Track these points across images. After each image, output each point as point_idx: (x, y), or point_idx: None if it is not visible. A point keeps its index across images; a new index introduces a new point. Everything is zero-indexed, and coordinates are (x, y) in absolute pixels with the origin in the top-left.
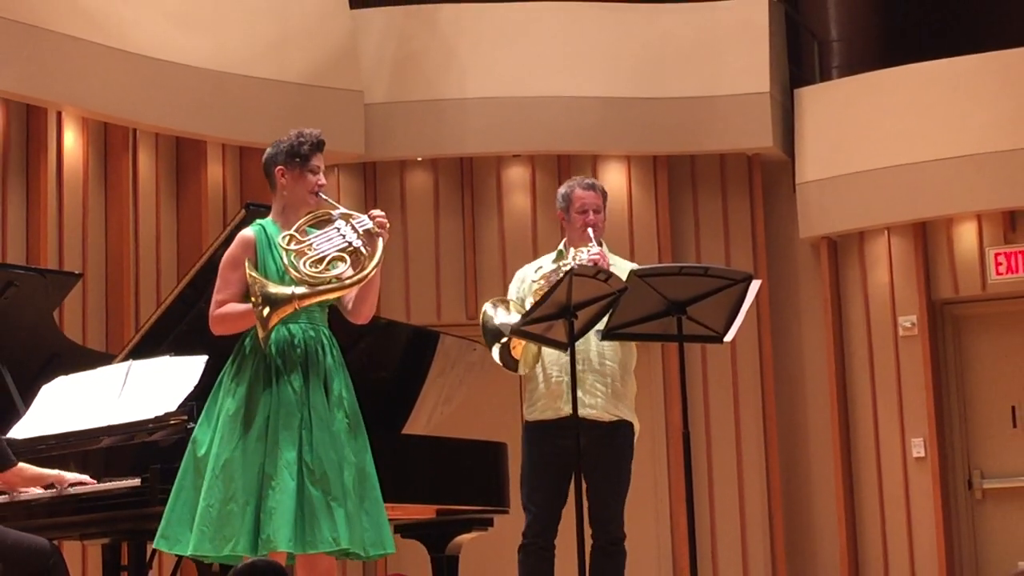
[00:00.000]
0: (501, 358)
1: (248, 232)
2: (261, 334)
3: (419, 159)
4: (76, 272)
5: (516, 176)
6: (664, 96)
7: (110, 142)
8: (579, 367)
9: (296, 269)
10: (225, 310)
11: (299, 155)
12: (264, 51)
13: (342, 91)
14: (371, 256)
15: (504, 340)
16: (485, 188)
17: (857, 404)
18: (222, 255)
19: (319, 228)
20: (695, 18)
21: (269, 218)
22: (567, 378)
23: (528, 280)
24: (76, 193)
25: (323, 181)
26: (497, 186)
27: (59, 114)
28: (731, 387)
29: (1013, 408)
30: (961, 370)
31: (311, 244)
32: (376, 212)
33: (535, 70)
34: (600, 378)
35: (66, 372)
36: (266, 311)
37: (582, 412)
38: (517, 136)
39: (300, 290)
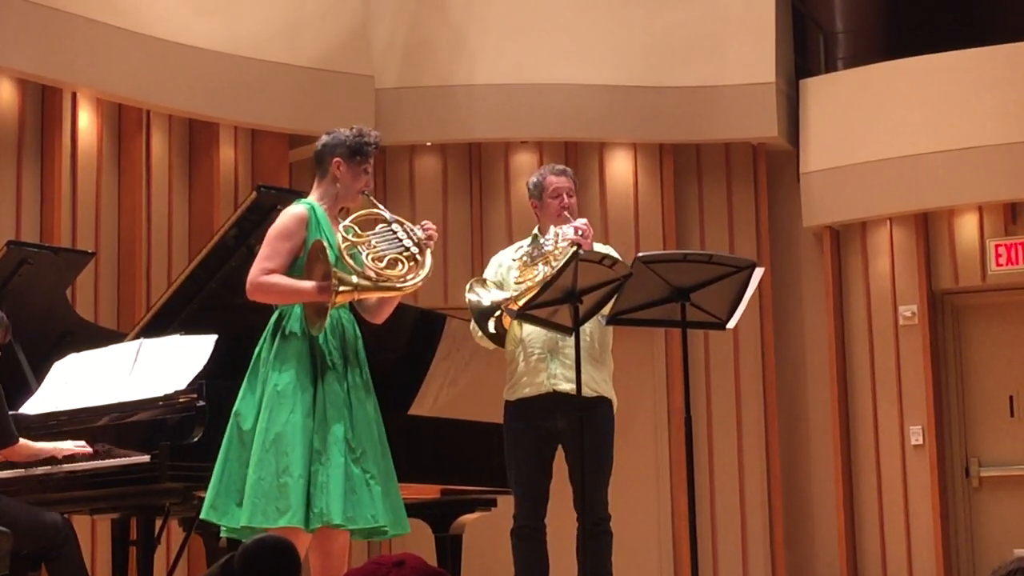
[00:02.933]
0: (496, 330)
1: (299, 209)
2: (325, 316)
3: (428, 144)
4: (89, 251)
5: (524, 162)
6: (670, 85)
7: (124, 123)
8: (560, 342)
9: (356, 260)
10: (274, 280)
11: (362, 153)
12: (277, 35)
13: (353, 76)
14: (423, 264)
15: (498, 313)
16: (493, 174)
17: (857, 391)
18: (233, 236)
19: (366, 226)
20: (702, 8)
21: (313, 199)
22: (548, 354)
23: (506, 264)
24: (90, 173)
25: (371, 184)
26: (505, 172)
27: (74, 95)
28: (733, 373)
29: (1011, 398)
30: (960, 359)
31: (370, 241)
32: (428, 224)
33: (544, 58)
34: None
35: (78, 349)
36: (340, 290)
37: (563, 387)
38: (525, 123)
39: (363, 282)
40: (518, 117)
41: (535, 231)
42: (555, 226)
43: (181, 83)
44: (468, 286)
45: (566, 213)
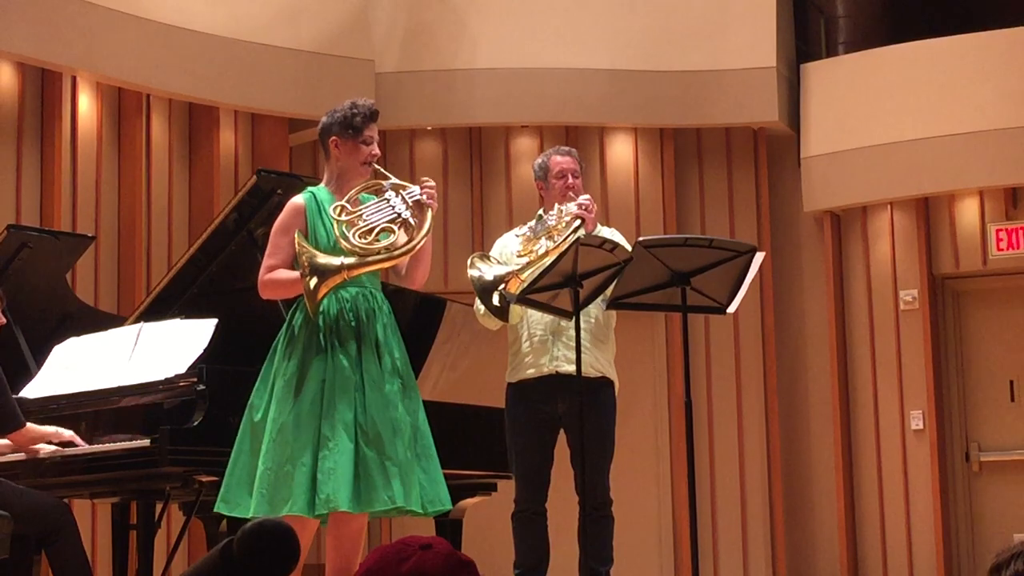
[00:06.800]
0: (500, 303)
1: (299, 199)
2: (309, 305)
3: (429, 128)
4: (89, 235)
5: (524, 146)
6: (671, 69)
7: (124, 107)
8: (562, 323)
9: (346, 239)
10: (275, 276)
11: (352, 126)
12: (277, 19)
13: (354, 60)
14: (420, 227)
15: (502, 287)
16: (493, 158)
17: (857, 376)
18: (233, 220)
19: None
20: None
21: (322, 185)
22: (551, 336)
23: (510, 247)
24: (90, 157)
25: (376, 152)
26: (505, 156)
27: (74, 79)
28: (733, 358)
29: (1011, 382)
30: (960, 344)
31: (361, 215)
32: (426, 180)
33: (544, 42)
34: (584, 334)
35: (78, 333)
36: (313, 281)
37: (566, 369)
38: (525, 107)
39: (349, 260)
40: (518, 101)
41: (540, 212)
42: (558, 205)
43: (181, 67)
44: (469, 261)
45: (571, 193)
